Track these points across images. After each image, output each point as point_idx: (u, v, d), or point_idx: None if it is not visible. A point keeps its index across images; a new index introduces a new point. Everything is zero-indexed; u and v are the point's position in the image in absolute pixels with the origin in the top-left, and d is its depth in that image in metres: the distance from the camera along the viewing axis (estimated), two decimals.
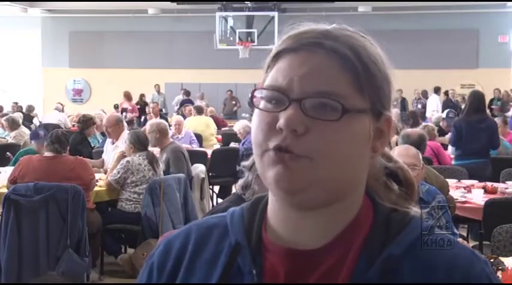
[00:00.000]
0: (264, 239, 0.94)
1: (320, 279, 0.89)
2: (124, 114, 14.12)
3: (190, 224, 1.03)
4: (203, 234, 0.99)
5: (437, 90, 17.66)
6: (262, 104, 0.90)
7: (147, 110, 16.33)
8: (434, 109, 16.19)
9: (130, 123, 13.33)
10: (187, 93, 18.78)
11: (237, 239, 0.95)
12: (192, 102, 18.22)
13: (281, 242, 0.93)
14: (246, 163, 2.82)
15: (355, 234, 0.91)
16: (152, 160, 5.81)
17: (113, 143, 6.89)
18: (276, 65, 0.92)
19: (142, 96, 17.93)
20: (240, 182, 2.96)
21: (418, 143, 4.99)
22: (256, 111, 0.91)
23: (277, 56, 0.92)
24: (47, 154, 5.43)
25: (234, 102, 19.34)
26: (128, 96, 15.29)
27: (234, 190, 3.11)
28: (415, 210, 0.96)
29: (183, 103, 16.82)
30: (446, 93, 18.60)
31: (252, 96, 0.92)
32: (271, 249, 0.93)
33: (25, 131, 9.44)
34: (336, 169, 0.87)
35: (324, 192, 0.88)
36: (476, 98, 6.99)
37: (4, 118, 10.28)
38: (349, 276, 0.88)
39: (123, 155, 5.91)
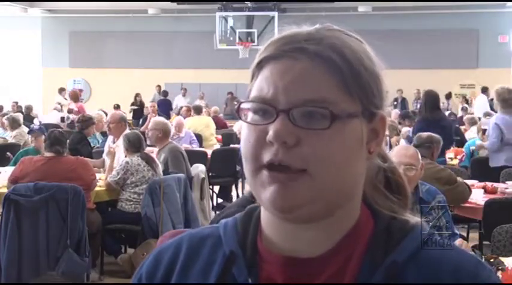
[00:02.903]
0: (260, 248, 0.92)
1: None
2: (67, 115, 13.28)
3: (181, 235, 1.00)
4: (195, 245, 0.96)
5: (485, 90, 17.40)
6: (249, 116, 0.87)
7: (145, 111, 16.26)
8: (483, 110, 15.65)
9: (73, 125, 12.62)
10: (164, 93, 18.73)
11: (231, 249, 0.92)
12: (169, 103, 18.22)
13: (278, 251, 0.90)
14: None
15: (355, 242, 0.89)
16: (149, 160, 5.82)
17: (114, 142, 6.90)
18: (260, 74, 0.88)
19: (137, 95, 17.73)
20: (249, 188, 2.94)
21: (428, 142, 5.03)
22: (244, 124, 0.88)
23: (261, 65, 0.89)
24: (48, 154, 5.43)
25: (235, 102, 19.34)
26: (74, 96, 14.22)
27: (233, 190, 3.09)
28: (414, 219, 0.93)
29: (159, 104, 16.73)
30: (449, 95, 18.61)
31: (239, 109, 0.89)
32: (267, 259, 0.90)
33: (25, 131, 9.45)
34: (333, 179, 0.84)
35: (323, 205, 0.86)
36: (432, 97, 7.13)
37: (5, 117, 10.28)
38: (353, 283, 0.86)
39: (111, 152, 6.01)
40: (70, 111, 13.37)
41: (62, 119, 13.33)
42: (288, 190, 0.84)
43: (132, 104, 17.60)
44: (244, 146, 0.88)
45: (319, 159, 0.83)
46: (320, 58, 0.86)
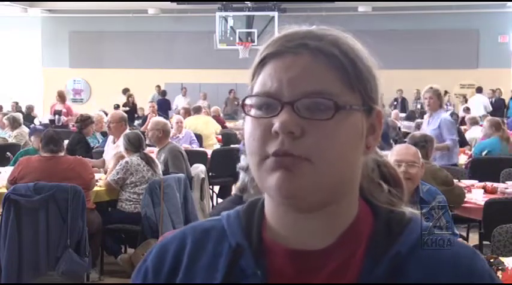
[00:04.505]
0: (266, 240, 0.93)
1: (327, 279, 0.89)
2: (57, 117, 12.88)
3: (184, 228, 1.01)
4: (200, 237, 0.97)
5: (480, 90, 17.36)
6: (252, 111, 0.90)
7: (139, 112, 16.09)
8: (480, 110, 15.40)
9: (64, 126, 12.27)
10: (163, 92, 18.69)
11: (237, 241, 0.94)
12: (169, 102, 18.18)
13: (284, 242, 0.92)
14: (241, 164, 2.75)
15: (357, 235, 0.92)
16: (148, 161, 5.82)
17: (114, 142, 6.90)
18: (262, 71, 0.91)
19: (130, 96, 17.26)
20: (238, 184, 2.94)
21: (422, 142, 5.03)
22: (247, 119, 0.91)
23: (263, 62, 0.92)
24: (46, 154, 5.43)
25: (236, 103, 19.29)
26: (61, 96, 13.42)
27: (233, 190, 3.09)
28: (409, 211, 0.96)
29: (159, 103, 16.58)
30: (445, 92, 18.61)
31: (243, 104, 0.91)
32: (274, 250, 0.92)
33: (26, 131, 9.44)
34: (334, 169, 0.87)
35: (323, 193, 0.88)
36: None
37: (5, 117, 10.26)
38: (357, 275, 0.89)
39: (121, 157, 5.93)
40: (58, 113, 13.07)
41: (52, 121, 13.08)
42: (292, 176, 0.86)
43: (124, 105, 17.17)
44: (248, 142, 0.90)
45: (322, 149, 0.86)
46: (322, 53, 0.89)
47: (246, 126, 0.91)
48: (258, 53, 0.93)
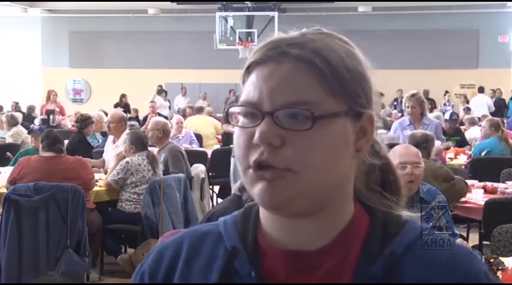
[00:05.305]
0: (261, 243, 0.94)
1: (322, 279, 0.90)
2: (52, 116, 12.55)
3: (183, 232, 1.02)
4: (196, 242, 0.98)
5: (482, 90, 17.31)
6: (240, 120, 0.91)
7: (132, 113, 15.99)
8: (481, 110, 15.24)
9: (58, 126, 12.06)
10: (163, 92, 18.65)
11: (233, 244, 0.95)
12: (168, 102, 18.12)
13: (279, 245, 0.93)
14: None
15: (353, 235, 0.92)
16: (152, 160, 5.82)
17: (114, 142, 6.90)
18: (248, 79, 0.92)
19: (123, 96, 17.11)
20: (237, 184, 2.95)
21: (424, 142, 5.02)
22: (236, 127, 0.91)
23: (249, 70, 0.93)
24: (46, 154, 5.43)
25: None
26: (54, 96, 13.09)
27: (233, 190, 3.10)
28: (406, 214, 0.96)
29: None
30: (445, 92, 18.63)
31: (227, 113, 0.92)
32: (269, 253, 0.93)
33: (22, 130, 9.40)
34: (318, 177, 0.87)
35: (310, 201, 0.88)
36: None
37: (4, 115, 10.23)
38: (352, 275, 0.89)
39: (123, 157, 5.92)
40: (51, 112, 12.89)
41: (45, 121, 12.94)
42: (274, 188, 0.87)
43: (117, 105, 16.44)
44: (235, 149, 0.91)
45: (303, 159, 0.86)
46: (302, 61, 0.89)
47: (235, 133, 0.92)
48: (247, 60, 0.94)
